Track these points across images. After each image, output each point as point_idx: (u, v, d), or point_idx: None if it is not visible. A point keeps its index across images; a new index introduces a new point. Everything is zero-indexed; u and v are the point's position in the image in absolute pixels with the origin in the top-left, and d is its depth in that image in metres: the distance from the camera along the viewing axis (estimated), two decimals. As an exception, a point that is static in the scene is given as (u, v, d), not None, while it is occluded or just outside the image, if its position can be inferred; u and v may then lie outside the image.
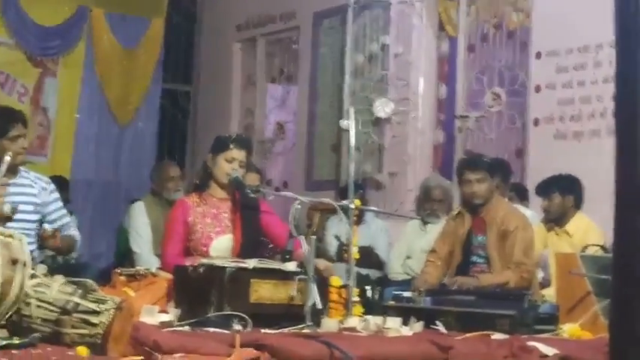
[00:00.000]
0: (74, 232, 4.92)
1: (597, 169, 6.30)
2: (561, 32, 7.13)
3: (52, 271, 3.31)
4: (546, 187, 6.13)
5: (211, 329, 3.66)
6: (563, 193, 6.02)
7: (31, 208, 4.68)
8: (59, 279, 3.08)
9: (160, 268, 4.64)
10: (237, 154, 4.74)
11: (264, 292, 4.00)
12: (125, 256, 6.89)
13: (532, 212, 6.26)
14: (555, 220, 6.06)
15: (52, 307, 2.95)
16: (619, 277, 1.89)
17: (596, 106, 6.90)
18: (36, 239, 4.68)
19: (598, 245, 5.24)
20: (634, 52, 1.91)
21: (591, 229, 5.87)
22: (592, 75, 6.94)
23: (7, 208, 4.20)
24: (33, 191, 4.73)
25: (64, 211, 4.95)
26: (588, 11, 6.81)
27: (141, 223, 6.57)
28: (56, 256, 5.01)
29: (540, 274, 5.61)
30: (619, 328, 1.86)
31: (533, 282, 5.26)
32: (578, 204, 6.05)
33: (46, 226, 4.64)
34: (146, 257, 6.27)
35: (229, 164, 4.72)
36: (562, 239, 5.94)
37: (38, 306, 2.95)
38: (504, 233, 5.23)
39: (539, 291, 5.31)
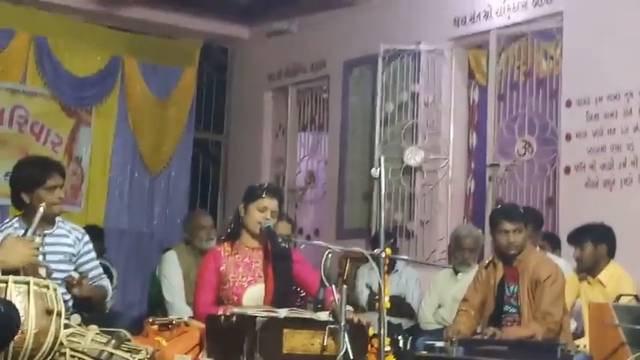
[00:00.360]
0: (106, 283, 4.94)
1: (629, 217, 6.29)
2: (591, 80, 7.13)
3: (86, 321, 3.34)
4: (578, 236, 6.05)
5: (243, 379, 3.67)
6: (596, 242, 5.93)
7: (66, 258, 4.71)
8: (93, 329, 3.11)
9: (193, 317, 4.64)
10: (269, 203, 4.77)
11: (296, 341, 4.00)
12: (158, 305, 6.92)
13: (564, 261, 6.23)
14: (588, 270, 5.99)
15: (86, 357, 2.98)
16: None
17: (627, 154, 6.87)
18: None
19: (631, 295, 5.20)
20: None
21: (624, 278, 5.81)
22: (623, 123, 6.93)
23: (43, 272, 4.22)
24: (68, 241, 4.77)
25: (97, 262, 4.96)
26: (618, 59, 6.82)
27: (173, 272, 6.60)
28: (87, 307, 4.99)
29: (573, 324, 5.57)
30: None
31: (566, 332, 5.22)
32: (611, 253, 5.97)
33: (73, 274, 4.65)
34: (178, 306, 6.29)
35: (261, 213, 4.74)
36: (595, 289, 5.88)
37: (72, 356, 2.98)
38: (536, 283, 5.20)
39: (573, 341, 5.26)
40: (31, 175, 4.61)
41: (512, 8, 7.83)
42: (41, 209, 4.01)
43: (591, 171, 7.11)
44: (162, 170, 10.30)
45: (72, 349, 2.97)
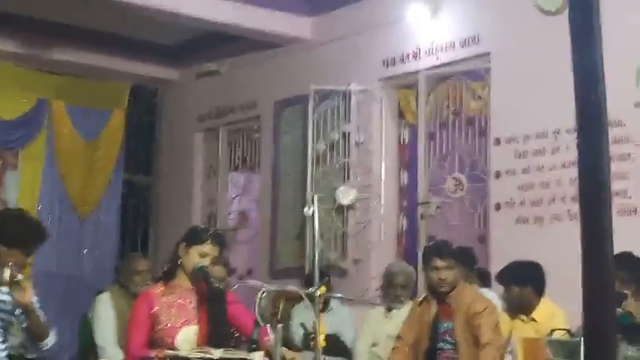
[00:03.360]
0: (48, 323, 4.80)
1: (560, 253, 6.36)
2: (519, 118, 7.24)
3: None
4: (504, 279, 6.05)
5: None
6: (521, 284, 5.95)
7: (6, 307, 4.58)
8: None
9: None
10: (211, 249, 4.70)
11: (231, 382, 3.96)
12: (89, 349, 6.79)
13: (497, 296, 6.26)
14: (518, 310, 6.00)
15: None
16: (591, 358, 1.90)
17: (556, 191, 6.97)
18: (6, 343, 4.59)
19: (564, 329, 5.25)
20: (595, 136, 1.95)
21: (556, 314, 5.86)
22: (551, 160, 7.03)
23: (6, 275, 4.13)
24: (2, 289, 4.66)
25: (38, 304, 4.84)
26: (545, 97, 6.94)
27: (106, 315, 6.51)
28: (28, 339, 4.79)
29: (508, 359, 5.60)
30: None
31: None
32: (539, 291, 6.01)
33: (19, 275, 4.48)
34: (110, 350, 6.19)
35: (201, 258, 4.68)
36: (528, 326, 5.91)
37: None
38: (472, 317, 5.23)
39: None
40: None
41: (441, 49, 7.93)
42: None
43: (521, 207, 7.19)
44: (91, 212, 10.18)
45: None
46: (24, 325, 4.58)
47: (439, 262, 5.38)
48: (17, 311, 4.54)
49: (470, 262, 6.40)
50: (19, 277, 4.38)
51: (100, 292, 7.09)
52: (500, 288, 6.24)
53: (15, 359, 5.13)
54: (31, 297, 4.46)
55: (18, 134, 9.82)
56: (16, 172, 9.80)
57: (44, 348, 4.68)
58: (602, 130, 1.97)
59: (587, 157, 1.97)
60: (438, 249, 5.65)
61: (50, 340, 4.69)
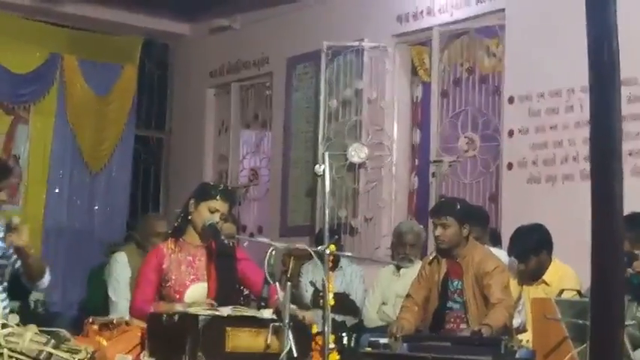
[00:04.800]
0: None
1: (571, 212, 6.33)
2: (533, 77, 7.17)
3: (24, 321, 3.26)
4: (518, 252, 5.97)
5: (186, 378, 3.62)
6: (537, 253, 5.91)
7: None
8: (32, 328, 3.04)
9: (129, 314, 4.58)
10: (221, 205, 4.69)
11: (239, 340, 3.96)
12: (99, 305, 6.82)
13: (506, 256, 6.22)
14: (534, 278, 5.96)
15: (24, 358, 2.90)
16: (597, 318, 1.89)
17: (568, 150, 6.92)
18: (6, 288, 4.60)
19: (574, 290, 5.23)
20: (608, 96, 1.92)
21: (567, 274, 5.83)
22: (564, 119, 6.98)
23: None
24: (1, 235, 4.67)
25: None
26: (559, 56, 6.87)
27: (122, 273, 6.52)
28: (26, 279, 4.81)
29: (517, 320, 5.59)
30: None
31: (509, 326, 5.24)
32: (550, 252, 5.98)
33: (16, 218, 4.50)
34: (122, 306, 6.20)
35: (211, 214, 4.67)
36: (539, 289, 5.89)
37: (10, 356, 2.91)
38: (482, 276, 5.21)
39: (516, 336, 5.28)
40: None
41: (455, 5, 7.85)
42: None
43: (533, 167, 7.15)
44: (102, 168, 10.19)
45: (10, 350, 2.90)
46: (17, 267, 4.59)
47: (436, 220, 5.39)
48: (10, 252, 4.57)
49: (482, 222, 6.36)
50: (15, 220, 4.40)
51: (114, 250, 7.10)
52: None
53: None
54: (27, 239, 4.45)
55: (30, 88, 9.81)
56: (27, 127, 9.80)
57: (41, 287, 4.72)
58: (615, 88, 1.93)
59: (599, 114, 1.93)
60: (435, 207, 5.69)
61: (46, 279, 4.72)
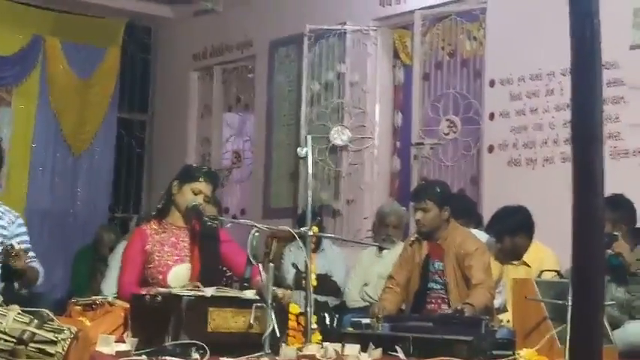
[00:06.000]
0: (37, 265, 4.86)
1: (551, 195, 6.39)
2: (514, 60, 7.22)
3: (7, 302, 3.28)
4: (494, 230, 6.06)
5: (169, 358, 3.64)
6: (512, 234, 5.99)
7: None
8: (15, 309, 3.05)
9: (117, 297, 4.60)
10: (204, 187, 4.73)
11: (222, 320, 3.97)
12: (82, 286, 6.85)
13: (488, 236, 6.28)
14: (510, 258, 6.05)
15: (7, 338, 2.92)
16: (578, 299, 1.92)
17: (549, 133, 6.98)
18: None
19: (554, 271, 5.29)
20: (589, 78, 1.95)
21: (547, 256, 5.90)
22: (544, 102, 7.03)
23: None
24: (2, 223, 4.70)
25: (29, 245, 4.89)
26: (540, 40, 6.91)
27: None
28: (20, 286, 4.89)
29: (497, 300, 5.64)
30: (578, 347, 1.89)
31: (490, 307, 5.29)
32: (530, 236, 6.05)
33: (14, 244, 4.54)
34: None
35: (194, 196, 4.70)
36: (519, 270, 5.96)
37: (-7, 336, 2.92)
38: (463, 258, 5.25)
39: (497, 316, 5.34)
40: None
41: (437, -12, 7.88)
42: None
43: (514, 150, 7.21)
44: (85, 150, 10.18)
45: (-7, 330, 2.91)
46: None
47: (416, 204, 5.45)
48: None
49: (466, 214, 6.36)
50: (16, 246, 4.43)
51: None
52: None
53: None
54: (24, 263, 4.51)
55: (12, 71, 9.77)
56: (10, 110, 9.77)
57: (34, 287, 4.78)
58: (596, 70, 1.96)
59: (581, 97, 1.96)
60: (415, 191, 5.72)
61: (40, 281, 4.77)
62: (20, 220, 4.84)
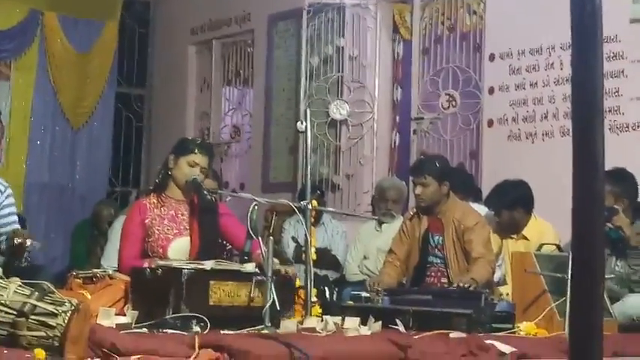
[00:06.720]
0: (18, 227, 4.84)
1: (551, 169, 6.40)
2: (513, 34, 7.20)
3: (7, 275, 3.28)
4: (493, 203, 6.07)
5: (169, 331, 3.65)
6: (510, 207, 5.99)
7: None
8: (15, 281, 3.05)
9: (117, 270, 4.60)
10: (200, 159, 4.73)
11: (222, 293, 3.99)
12: (81, 259, 6.86)
13: (487, 209, 6.28)
14: (508, 231, 6.05)
15: (8, 310, 2.92)
16: (578, 273, 1.92)
17: (548, 107, 6.98)
18: None
19: (553, 244, 5.30)
20: (590, 52, 1.94)
21: (546, 230, 5.90)
22: (544, 76, 7.02)
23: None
24: None
25: (16, 217, 4.87)
26: (540, 14, 6.89)
27: None
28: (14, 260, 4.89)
29: (497, 274, 5.66)
30: (578, 320, 1.89)
31: (490, 281, 5.30)
32: (529, 210, 6.04)
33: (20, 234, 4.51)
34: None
35: (191, 168, 4.70)
36: (519, 244, 5.97)
37: (-6, 309, 2.92)
38: (462, 232, 5.26)
39: (496, 289, 5.35)
40: None
41: (437, -38, 7.85)
42: None
43: (514, 124, 7.21)
44: (84, 124, 10.16)
45: (-6, 302, 2.91)
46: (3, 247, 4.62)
47: (415, 179, 5.43)
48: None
49: (465, 188, 6.35)
50: (28, 242, 4.40)
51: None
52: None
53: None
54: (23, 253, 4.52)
55: (10, 45, 9.73)
56: (8, 84, 9.74)
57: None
58: (597, 44, 1.95)
59: (581, 71, 1.95)
60: (414, 166, 5.70)
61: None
62: (9, 191, 4.80)
